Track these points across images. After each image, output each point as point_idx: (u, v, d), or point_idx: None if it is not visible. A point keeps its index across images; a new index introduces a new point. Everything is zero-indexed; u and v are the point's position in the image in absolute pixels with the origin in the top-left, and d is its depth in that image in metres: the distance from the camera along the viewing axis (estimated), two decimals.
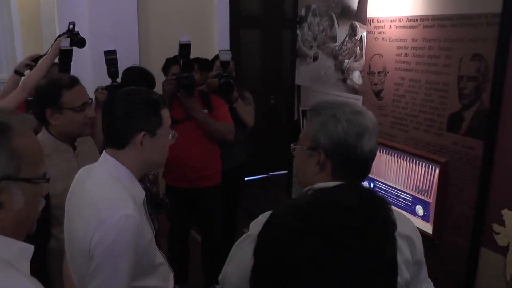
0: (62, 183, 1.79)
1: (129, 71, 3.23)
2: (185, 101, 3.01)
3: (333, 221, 0.76)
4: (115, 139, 1.57)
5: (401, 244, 1.33)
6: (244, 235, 1.40)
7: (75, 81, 2.15)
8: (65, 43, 2.73)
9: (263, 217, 1.36)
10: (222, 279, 1.43)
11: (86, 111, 2.14)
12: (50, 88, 2.11)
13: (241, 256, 1.36)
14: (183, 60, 3.01)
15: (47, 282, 1.97)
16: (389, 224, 0.81)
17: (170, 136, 1.65)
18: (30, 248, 1.07)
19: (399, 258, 1.28)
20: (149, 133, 1.55)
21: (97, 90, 2.91)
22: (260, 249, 0.81)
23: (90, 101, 2.21)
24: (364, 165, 1.37)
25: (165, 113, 1.60)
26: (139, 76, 3.08)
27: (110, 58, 2.94)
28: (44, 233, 2.02)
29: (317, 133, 1.35)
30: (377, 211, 0.81)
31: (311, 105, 1.46)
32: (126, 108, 1.54)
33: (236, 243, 1.42)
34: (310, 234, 0.74)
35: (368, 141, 1.33)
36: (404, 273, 1.33)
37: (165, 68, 3.28)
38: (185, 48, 2.98)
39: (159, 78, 3.36)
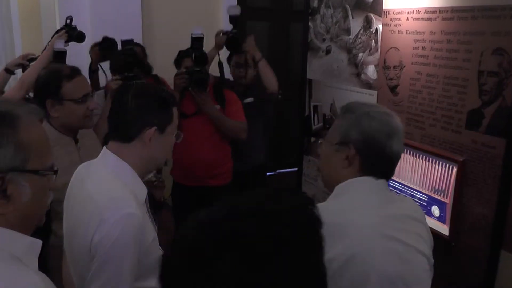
0: (64, 177, 1.72)
1: (119, 53, 3.16)
2: (197, 96, 2.93)
3: (248, 231, 0.69)
4: (123, 131, 1.52)
5: (422, 230, 1.41)
6: None
7: (76, 72, 2.08)
8: (59, 44, 2.66)
9: None
10: None
11: (88, 103, 2.07)
12: (50, 78, 2.05)
13: None
14: (195, 53, 2.92)
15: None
16: (314, 225, 0.76)
17: (174, 135, 1.59)
18: (38, 243, 1.06)
19: (425, 244, 1.38)
20: (159, 129, 1.51)
21: (111, 80, 2.84)
22: (166, 272, 0.73)
23: (92, 93, 2.15)
24: (390, 165, 1.40)
25: (175, 111, 1.57)
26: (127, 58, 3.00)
27: (127, 48, 2.87)
28: (45, 228, 1.96)
29: (349, 128, 1.39)
30: (299, 213, 0.76)
31: (343, 105, 1.51)
32: (140, 101, 1.50)
33: None
34: (223, 249, 0.68)
35: (397, 142, 1.37)
36: (430, 259, 1.40)
37: (177, 61, 3.20)
38: (197, 41, 2.90)
39: (165, 71, 3.29)
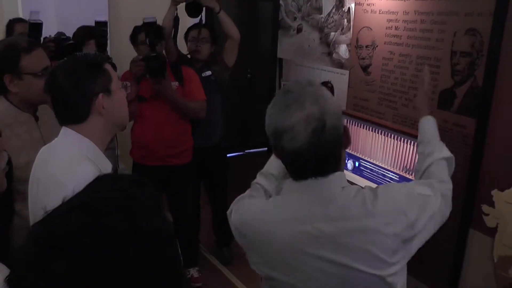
0: (26, 155, 1.66)
1: (79, 31, 3.06)
2: (155, 85, 2.85)
3: (68, 229, 0.64)
4: (73, 115, 1.45)
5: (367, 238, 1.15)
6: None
7: (34, 45, 1.97)
8: (34, 16, 2.50)
9: (242, 208, 1.32)
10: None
11: None
12: (7, 52, 1.93)
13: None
14: (149, 38, 2.84)
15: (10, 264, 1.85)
16: (136, 218, 0.68)
17: (122, 87, 1.54)
18: None
19: (370, 258, 1.13)
20: (106, 93, 1.44)
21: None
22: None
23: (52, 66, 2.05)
24: (295, 165, 1.20)
25: (109, 67, 1.49)
26: (88, 34, 2.92)
27: (101, 29, 2.77)
28: (7, 209, 1.87)
29: None
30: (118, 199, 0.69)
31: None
32: (72, 78, 1.42)
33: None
34: (51, 253, 0.62)
35: (290, 141, 1.13)
36: (388, 266, 1.17)
37: (133, 37, 3.10)
38: (150, 26, 2.82)
39: (131, 48, 3.19)
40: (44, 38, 2.61)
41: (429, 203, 1.23)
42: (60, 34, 2.71)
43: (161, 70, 2.81)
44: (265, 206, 1.27)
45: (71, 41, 2.68)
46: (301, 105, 1.15)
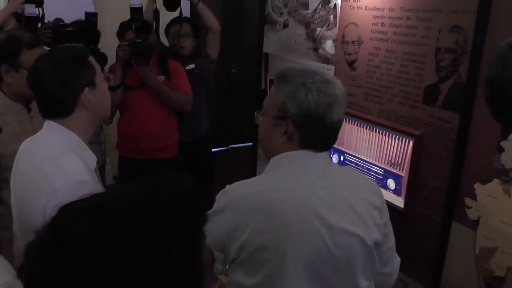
0: (14, 144, 1.68)
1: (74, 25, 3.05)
2: (139, 69, 2.86)
3: (76, 232, 0.64)
4: (59, 110, 1.46)
5: (362, 206, 1.36)
6: (211, 211, 1.36)
7: (37, 42, 1.99)
8: (30, 9, 2.48)
9: (230, 188, 1.35)
10: None
11: None
12: (9, 43, 1.95)
13: (209, 227, 1.36)
14: (135, 24, 2.85)
15: None
16: (168, 220, 0.68)
17: (105, 79, 1.57)
18: None
19: (361, 224, 1.32)
20: (91, 86, 1.46)
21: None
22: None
23: None
24: (332, 134, 1.36)
25: (92, 59, 1.51)
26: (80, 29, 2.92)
27: (91, 20, 2.76)
28: None
29: (285, 101, 1.31)
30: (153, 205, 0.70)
31: (278, 72, 1.42)
32: (58, 72, 1.43)
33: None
34: (58, 254, 0.63)
35: (338, 111, 1.32)
36: (366, 240, 1.33)
37: (120, 34, 3.09)
38: (136, 11, 2.83)
39: (116, 41, 3.17)
40: (42, 25, 2.59)
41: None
42: (58, 21, 2.69)
43: (145, 55, 2.82)
44: (265, 180, 1.38)
45: (70, 28, 2.66)
46: (339, 82, 1.36)
